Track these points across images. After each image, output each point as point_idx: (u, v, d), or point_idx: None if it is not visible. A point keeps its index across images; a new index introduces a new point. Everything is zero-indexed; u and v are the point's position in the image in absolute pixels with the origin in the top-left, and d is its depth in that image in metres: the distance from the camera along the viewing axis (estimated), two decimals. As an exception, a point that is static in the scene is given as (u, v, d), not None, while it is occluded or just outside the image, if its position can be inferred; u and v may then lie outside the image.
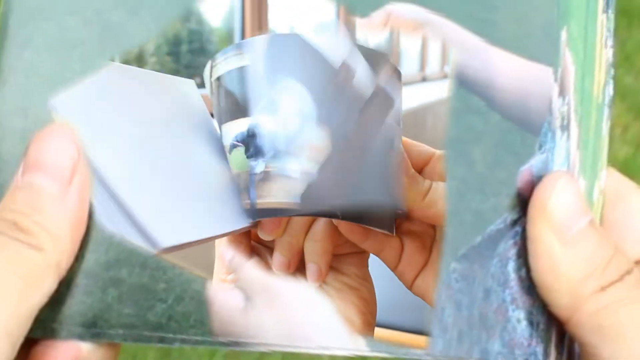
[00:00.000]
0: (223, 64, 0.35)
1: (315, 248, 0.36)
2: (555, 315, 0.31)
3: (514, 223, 0.32)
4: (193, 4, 0.34)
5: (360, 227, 0.36)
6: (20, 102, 0.32)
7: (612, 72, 0.34)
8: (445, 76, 0.33)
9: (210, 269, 0.35)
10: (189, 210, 0.34)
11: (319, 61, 0.34)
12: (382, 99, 0.35)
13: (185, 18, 0.34)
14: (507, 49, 0.33)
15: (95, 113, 0.33)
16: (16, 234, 0.29)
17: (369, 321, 0.36)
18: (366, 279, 0.37)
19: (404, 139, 0.36)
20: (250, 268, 0.35)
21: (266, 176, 0.34)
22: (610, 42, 0.34)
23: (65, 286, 0.31)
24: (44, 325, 0.31)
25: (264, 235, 0.36)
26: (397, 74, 0.35)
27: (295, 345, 0.31)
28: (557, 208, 0.30)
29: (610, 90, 0.34)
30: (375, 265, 0.37)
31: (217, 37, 0.35)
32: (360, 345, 0.32)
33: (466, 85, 0.33)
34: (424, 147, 0.36)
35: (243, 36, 0.35)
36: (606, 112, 0.34)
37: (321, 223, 0.36)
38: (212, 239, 0.35)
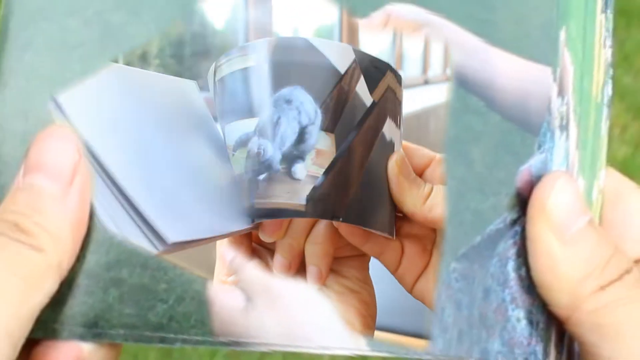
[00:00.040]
0: (227, 65, 0.35)
1: (316, 250, 0.36)
2: (555, 315, 0.31)
3: (514, 223, 0.32)
4: (193, 5, 0.34)
5: (360, 229, 0.36)
6: (21, 104, 0.32)
7: (610, 72, 0.34)
8: (447, 79, 0.33)
9: (211, 270, 0.35)
10: (192, 210, 0.34)
11: (325, 65, 0.34)
12: (384, 106, 0.35)
13: (188, 20, 0.34)
14: (506, 49, 0.33)
15: (99, 113, 0.33)
16: (17, 235, 0.29)
17: (369, 324, 0.36)
18: (367, 282, 0.37)
19: (405, 142, 0.36)
20: (251, 268, 0.35)
21: (270, 177, 0.34)
22: (609, 42, 0.34)
23: (66, 287, 0.31)
24: (45, 325, 0.31)
25: (265, 237, 0.36)
26: (399, 79, 0.36)
27: (296, 345, 0.31)
28: (556, 208, 0.30)
29: (609, 90, 0.34)
30: (376, 268, 0.37)
31: (221, 39, 0.35)
32: (360, 345, 0.32)
33: (465, 85, 0.33)
34: (425, 151, 0.36)
35: (247, 39, 0.35)
36: (605, 111, 0.34)
37: (322, 225, 0.36)
38: (214, 239, 0.35)
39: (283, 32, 0.35)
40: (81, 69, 0.32)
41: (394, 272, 0.36)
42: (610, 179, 0.34)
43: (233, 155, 0.35)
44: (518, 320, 0.31)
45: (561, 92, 0.32)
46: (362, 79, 0.35)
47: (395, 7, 0.33)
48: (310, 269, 0.36)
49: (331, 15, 0.34)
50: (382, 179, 0.35)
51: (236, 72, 0.35)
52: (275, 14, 0.35)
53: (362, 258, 0.37)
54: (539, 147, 0.32)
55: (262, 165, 0.34)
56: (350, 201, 0.34)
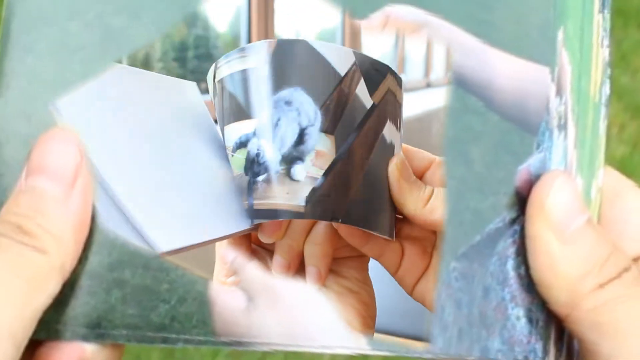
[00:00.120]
0: (226, 67, 0.35)
1: (316, 251, 0.36)
2: (554, 313, 0.31)
3: (513, 222, 0.32)
4: (193, 8, 0.34)
5: (360, 231, 0.36)
6: (23, 107, 0.32)
7: (608, 71, 0.34)
8: (449, 82, 0.33)
9: (212, 270, 0.36)
10: (189, 213, 0.34)
11: (325, 67, 0.34)
12: (384, 109, 0.35)
13: (191, 24, 0.34)
14: (504, 50, 0.33)
15: (96, 115, 0.33)
16: (20, 237, 0.29)
17: (369, 324, 0.36)
18: (366, 282, 0.37)
19: (404, 145, 0.36)
20: (253, 269, 0.35)
21: (270, 178, 0.34)
22: (606, 42, 0.34)
23: (69, 288, 0.31)
24: (48, 326, 0.31)
25: (264, 238, 0.36)
26: (399, 82, 0.36)
27: (298, 344, 0.32)
28: (555, 207, 0.31)
29: (606, 89, 0.34)
30: (376, 270, 0.37)
31: (223, 42, 0.35)
32: (361, 344, 0.32)
33: (464, 85, 0.33)
34: (424, 153, 0.36)
35: (249, 41, 0.35)
36: (603, 111, 0.34)
37: (321, 226, 0.36)
38: (213, 241, 0.35)
39: (285, 35, 0.35)
40: (82, 71, 0.33)
41: (393, 273, 0.37)
42: (608, 177, 0.34)
43: (232, 156, 0.35)
44: (518, 318, 0.31)
45: (559, 92, 0.33)
46: (362, 81, 0.35)
47: (394, 9, 0.33)
48: (310, 270, 0.36)
49: (333, 18, 0.34)
50: (382, 181, 0.35)
51: (236, 73, 0.35)
52: (278, 17, 0.35)
53: (362, 259, 0.37)
54: (538, 146, 0.32)
55: (261, 166, 0.34)
56: (350, 202, 0.34)
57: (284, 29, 0.35)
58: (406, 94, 0.36)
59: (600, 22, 0.34)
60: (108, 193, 0.32)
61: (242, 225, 0.34)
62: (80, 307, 0.31)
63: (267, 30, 0.35)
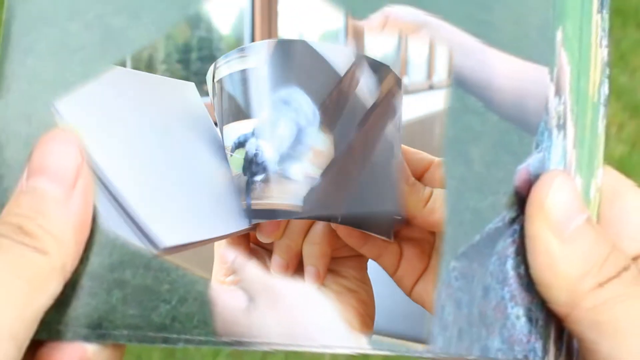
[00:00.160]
0: (225, 67, 0.35)
1: (314, 251, 0.36)
2: (554, 312, 0.31)
3: (512, 221, 0.32)
4: (194, 8, 0.34)
5: (358, 231, 0.36)
6: (24, 108, 0.32)
7: (607, 71, 0.34)
8: (451, 84, 0.33)
9: (212, 270, 0.36)
10: (189, 212, 0.34)
11: (324, 67, 0.34)
12: (384, 109, 0.35)
13: (194, 25, 0.34)
14: (503, 50, 0.33)
15: (97, 116, 0.33)
16: (21, 238, 0.29)
17: (368, 323, 0.36)
18: (365, 281, 0.37)
19: (403, 146, 0.36)
20: (253, 269, 0.35)
21: (267, 178, 0.34)
22: (605, 42, 0.34)
23: (70, 288, 0.31)
24: (50, 327, 0.31)
25: (262, 238, 0.36)
26: (399, 83, 0.36)
27: (298, 344, 0.32)
28: (555, 206, 0.31)
29: (605, 89, 0.34)
30: (375, 272, 0.37)
31: (227, 44, 0.35)
32: (362, 344, 0.32)
33: (464, 86, 0.33)
34: (423, 155, 0.36)
35: None
36: (602, 110, 0.34)
37: (320, 226, 0.36)
38: (212, 240, 0.35)
39: (288, 37, 0.35)
40: (82, 72, 0.33)
41: (392, 274, 0.36)
42: (607, 177, 0.34)
43: (231, 156, 0.35)
44: (517, 317, 0.31)
45: (558, 92, 0.33)
46: (362, 81, 0.35)
47: (393, 9, 0.33)
48: (308, 269, 0.36)
49: (336, 20, 0.34)
50: (382, 182, 0.35)
51: (235, 73, 0.35)
52: (281, 19, 0.35)
53: (361, 258, 0.37)
54: (537, 146, 0.32)
55: (260, 166, 0.34)
56: (348, 202, 0.34)
57: (287, 30, 0.35)
58: (409, 96, 0.36)
59: (599, 22, 0.34)
60: (110, 191, 0.32)
61: (241, 225, 0.34)
62: (81, 307, 0.31)
63: (270, 32, 0.35)
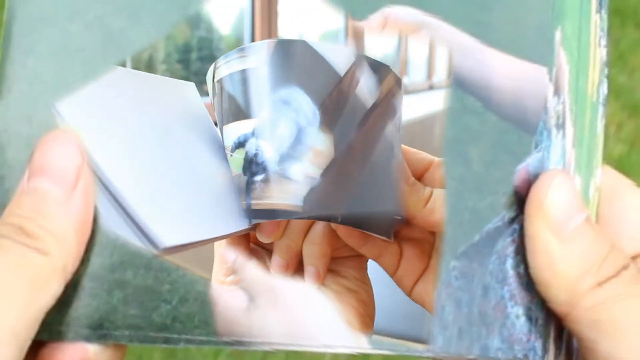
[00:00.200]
0: (225, 67, 0.35)
1: (314, 251, 0.36)
2: (554, 311, 0.31)
3: (512, 221, 0.32)
4: (194, 9, 0.34)
5: (358, 231, 0.36)
6: (25, 109, 0.32)
7: (606, 71, 0.35)
8: (450, 84, 0.33)
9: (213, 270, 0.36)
10: (189, 212, 0.34)
11: (324, 67, 0.34)
12: (384, 109, 0.35)
13: (194, 25, 0.34)
14: (502, 50, 0.33)
15: (95, 116, 0.33)
16: (22, 239, 0.29)
17: (368, 323, 0.36)
18: (365, 281, 0.37)
19: (403, 146, 0.36)
20: (253, 269, 0.35)
21: (267, 178, 0.34)
22: (603, 42, 0.34)
23: (71, 289, 0.31)
24: (51, 327, 0.31)
25: (262, 238, 0.36)
26: (399, 83, 0.36)
27: (299, 344, 0.32)
28: (554, 206, 0.31)
29: (604, 88, 0.34)
30: (374, 273, 0.37)
31: (227, 44, 0.35)
32: (362, 343, 0.32)
33: (463, 86, 0.33)
34: (423, 154, 0.36)
35: None
36: (601, 110, 0.34)
37: (319, 226, 0.36)
38: (212, 240, 0.35)
39: (288, 37, 0.35)
40: (83, 73, 0.33)
41: (392, 274, 0.36)
42: (606, 176, 0.34)
43: (231, 156, 0.35)
44: (517, 317, 0.31)
45: (557, 92, 0.33)
46: (362, 81, 0.35)
47: (392, 10, 0.33)
48: (308, 269, 0.36)
49: (337, 20, 0.34)
50: (382, 182, 0.35)
51: (235, 73, 0.35)
52: (281, 20, 0.35)
53: (360, 258, 0.37)
54: (536, 146, 0.32)
55: (260, 166, 0.34)
56: (348, 202, 0.34)
57: (287, 31, 0.35)
58: (409, 96, 0.36)
59: (597, 22, 0.34)
60: (110, 192, 0.32)
61: (241, 225, 0.34)
62: (82, 308, 0.31)
63: (270, 32, 0.35)
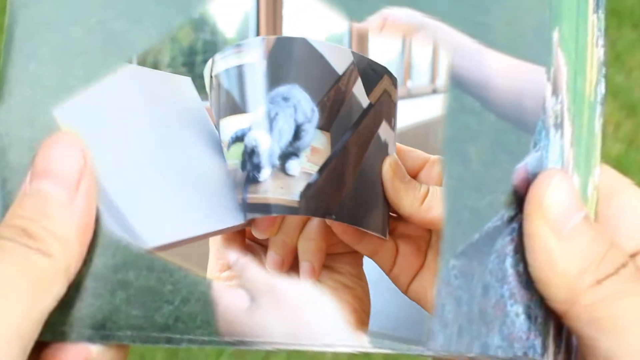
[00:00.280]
0: (222, 62, 0.35)
1: (309, 246, 0.36)
2: (553, 309, 0.31)
3: (511, 220, 0.32)
4: (195, 12, 0.34)
5: (353, 228, 0.36)
6: (27, 113, 0.32)
7: (603, 70, 0.35)
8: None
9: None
10: (184, 207, 0.34)
11: (323, 66, 0.35)
12: (379, 109, 0.36)
13: (198, 28, 0.34)
14: (500, 50, 0.33)
15: (88, 116, 0.33)
16: (25, 240, 0.29)
17: (363, 319, 0.36)
18: (360, 277, 0.37)
19: (398, 145, 0.36)
20: (254, 269, 0.35)
21: (264, 173, 0.34)
22: (601, 42, 0.35)
23: (74, 290, 0.31)
24: (54, 328, 0.31)
25: (258, 234, 0.36)
26: (395, 83, 0.36)
27: (300, 343, 0.32)
28: (553, 204, 0.31)
29: (602, 88, 0.35)
30: (373, 273, 0.37)
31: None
32: (363, 342, 0.32)
33: (461, 86, 0.33)
34: (418, 152, 0.36)
35: None
36: (598, 109, 0.34)
37: (315, 222, 0.36)
38: (207, 236, 0.35)
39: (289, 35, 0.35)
40: (85, 76, 0.33)
41: (388, 272, 0.37)
42: (604, 175, 0.34)
43: (228, 150, 0.35)
44: (517, 315, 0.32)
45: (555, 91, 0.33)
46: (359, 80, 0.35)
47: (391, 11, 0.34)
48: (303, 265, 0.36)
49: (341, 24, 0.34)
50: (376, 179, 0.35)
51: (232, 68, 0.35)
52: (286, 23, 0.35)
53: (356, 254, 0.37)
54: (535, 145, 0.32)
55: (257, 160, 0.34)
56: (344, 200, 0.35)
57: (292, 34, 0.35)
58: (412, 100, 0.36)
59: (594, 23, 0.34)
60: (104, 192, 0.32)
61: (236, 220, 0.34)
62: (85, 308, 0.31)
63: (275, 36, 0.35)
